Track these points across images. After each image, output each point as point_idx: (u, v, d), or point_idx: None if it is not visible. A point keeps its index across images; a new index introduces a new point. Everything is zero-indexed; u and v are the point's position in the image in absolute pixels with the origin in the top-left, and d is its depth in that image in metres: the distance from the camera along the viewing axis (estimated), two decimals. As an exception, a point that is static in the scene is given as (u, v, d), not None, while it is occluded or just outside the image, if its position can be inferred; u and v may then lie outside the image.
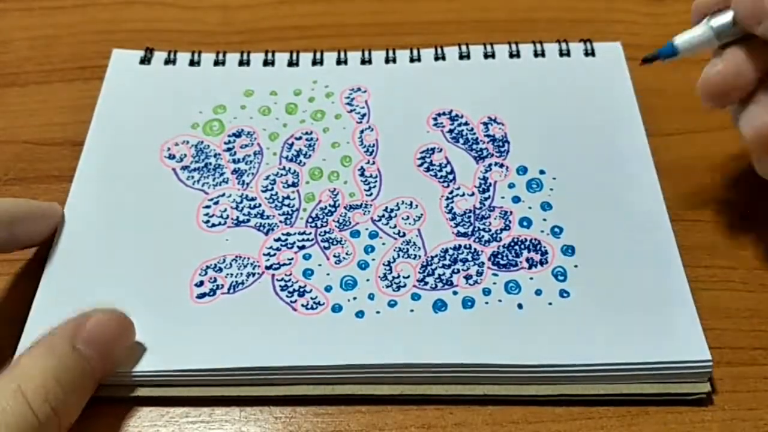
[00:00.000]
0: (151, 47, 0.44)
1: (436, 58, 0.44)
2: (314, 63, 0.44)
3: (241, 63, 0.44)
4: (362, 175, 0.39)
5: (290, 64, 0.44)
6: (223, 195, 0.38)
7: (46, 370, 0.29)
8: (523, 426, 0.32)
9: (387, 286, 0.35)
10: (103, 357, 0.31)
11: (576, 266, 0.35)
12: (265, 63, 0.44)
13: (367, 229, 0.37)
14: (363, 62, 0.44)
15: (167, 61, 0.44)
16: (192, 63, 0.44)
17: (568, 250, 0.36)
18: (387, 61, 0.44)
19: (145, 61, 0.44)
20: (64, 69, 0.46)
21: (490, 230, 0.37)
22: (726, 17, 0.34)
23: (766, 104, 0.33)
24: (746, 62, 0.33)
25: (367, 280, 0.35)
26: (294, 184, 0.39)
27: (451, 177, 0.39)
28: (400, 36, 0.47)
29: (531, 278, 0.35)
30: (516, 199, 0.38)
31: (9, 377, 0.29)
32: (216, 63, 0.44)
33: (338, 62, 0.44)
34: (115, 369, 0.32)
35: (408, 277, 0.35)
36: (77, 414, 0.31)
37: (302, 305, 0.34)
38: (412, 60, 0.44)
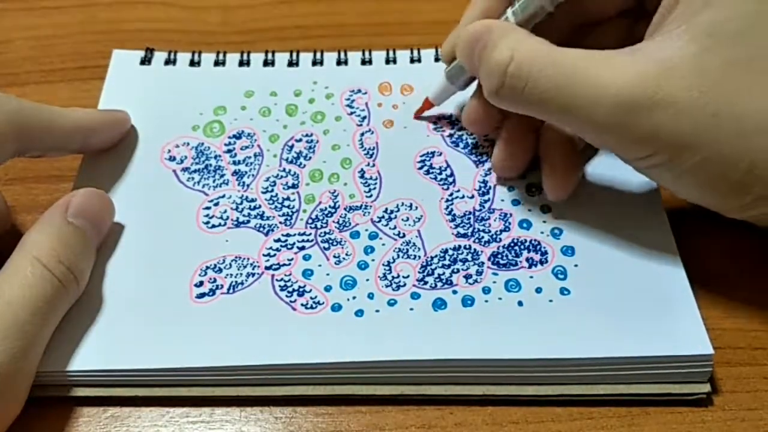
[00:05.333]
0: (151, 47, 0.44)
1: (436, 59, 0.44)
2: (314, 63, 0.44)
3: (241, 63, 0.44)
4: (362, 177, 0.39)
5: (290, 64, 0.44)
6: (224, 196, 0.38)
7: (50, 238, 0.32)
8: (523, 426, 0.32)
9: (386, 286, 0.35)
10: (94, 226, 0.34)
11: (576, 265, 0.35)
12: (265, 63, 0.44)
13: (366, 230, 0.37)
14: (363, 62, 0.44)
15: (167, 62, 0.44)
16: (192, 63, 0.44)
17: (568, 251, 0.36)
18: (387, 61, 0.44)
19: (146, 61, 0.44)
20: (64, 69, 0.46)
21: (489, 231, 0.37)
22: (455, 63, 0.38)
23: (502, 140, 0.38)
24: (481, 107, 0.37)
25: (367, 280, 0.35)
26: (294, 186, 0.39)
27: (451, 180, 0.39)
28: (400, 36, 0.47)
29: (531, 277, 0.35)
30: (516, 202, 0.38)
31: (21, 252, 0.32)
32: (216, 63, 0.44)
33: (338, 62, 0.44)
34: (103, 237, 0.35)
35: (408, 276, 0.35)
36: (87, 277, 0.34)
37: (302, 305, 0.34)
38: (412, 60, 0.44)
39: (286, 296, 0.34)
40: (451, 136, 0.41)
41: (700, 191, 0.33)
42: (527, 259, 0.36)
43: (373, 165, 0.39)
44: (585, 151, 0.39)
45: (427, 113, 0.41)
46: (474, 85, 0.39)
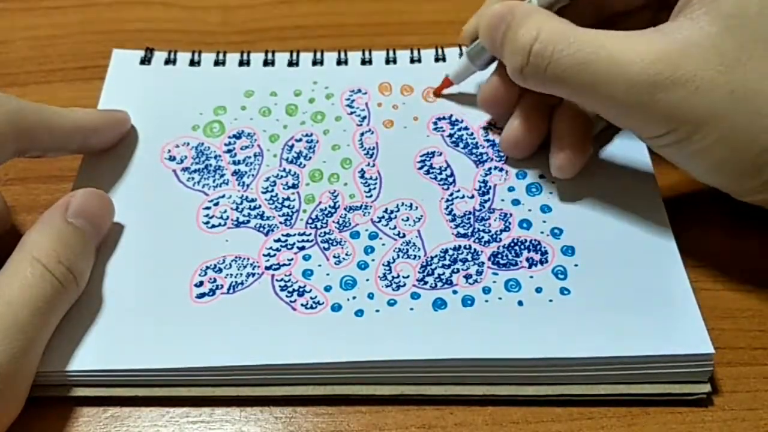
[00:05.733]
0: (151, 47, 0.44)
1: (436, 59, 0.44)
2: (314, 63, 0.44)
3: (241, 63, 0.44)
4: (362, 177, 0.39)
5: (290, 64, 0.44)
6: (224, 196, 0.38)
7: (50, 238, 0.32)
8: (523, 426, 0.32)
9: (386, 286, 0.35)
10: (94, 226, 0.34)
11: (576, 265, 0.35)
12: (265, 63, 0.44)
13: (366, 230, 0.37)
14: (363, 62, 0.44)
15: (167, 62, 0.44)
16: (192, 63, 0.44)
17: (568, 251, 0.36)
18: (387, 61, 0.44)
19: (146, 61, 0.44)
20: (64, 69, 0.46)
21: (489, 231, 0.37)
22: (477, 43, 0.39)
23: (516, 116, 0.39)
24: (501, 86, 0.39)
25: (367, 279, 0.35)
26: (294, 186, 0.39)
27: (451, 180, 0.39)
28: (400, 36, 0.47)
29: (531, 276, 0.35)
30: (516, 202, 0.38)
31: (20, 252, 0.32)
32: (216, 63, 0.44)
33: (338, 62, 0.44)
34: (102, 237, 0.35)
35: (408, 276, 0.35)
36: (87, 278, 0.34)
37: (302, 305, 0.34)
38: (412, 60, 0.44)
39: (286, 296, 0.34)
40: (451, 136, 0.41)
41: (714, 171, 0.33)
42: (527, 259, 0.36)
43: (373, 165, 0.39)
44: (599, 137, 0.39)
45: (446, 91, 0.42)
46: (492, 67, 0.40)
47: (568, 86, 0.34)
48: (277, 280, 0.35)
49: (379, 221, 0.37)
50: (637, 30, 0.33)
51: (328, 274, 0.35)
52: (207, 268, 0.35)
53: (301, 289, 0.35)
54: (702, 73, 0.31)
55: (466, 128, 0.41)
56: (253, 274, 0.35)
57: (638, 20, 0.38)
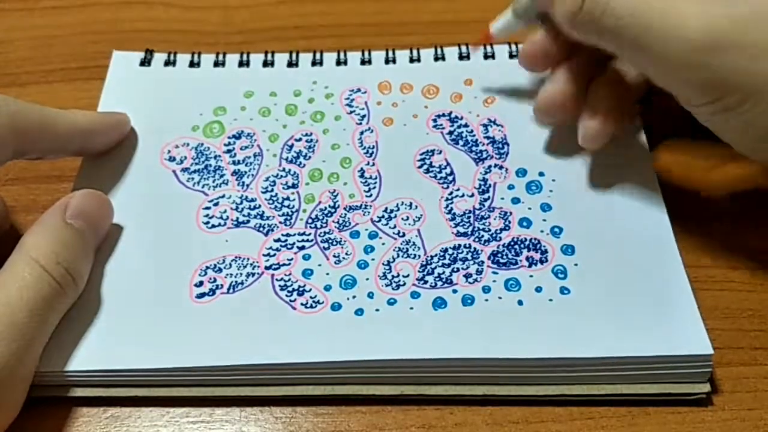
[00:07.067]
0: (151, 48, 0.44)
1: (436, 59, 0.44)
2: (314, 63, 0.44)
3: (240, 64, 0.44)
4: (362, 176, 0.39)
5: (290, 64, 0.44)
6: (223, 196, 0.38)
7: (49, 239, 0.32)
8: (523, 426, 0.32)
9: (386, 285, 0.35)
10: (92, 227, 0.34)
11: (576, 265, 0.35)
12: (265, 64, 0.44)
13: (366, 229, 0.37)
14: (363, 62, 0.44)
15: (167, 63, 0.44)
16: (192, 64, 0.44)
17: (568, 250, 0.36)
18: (387, 61, 0.44)
19: (146, 62, 0.44)
20: (64, 69, 0.46)
21: (489, 230, 0.37)
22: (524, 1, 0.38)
23: (554, 80, 0.37)
24: (546, 42, 0.37)
25: (367, 279, 0.35)
26: (294, 186, 0.39)
27: (450, 178, 0.39)
28: (400, 36, 0.47)
29: (531, 276, 0.35)
30: (515, 200, 0.38)
31: (19, 253, 0.32)
32: (216, 64, 0.44)
33: (338, 63, 0.44)
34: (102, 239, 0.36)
35: (407, 276, 0.35)
36: (86, 279, 0.34)
37: (301, 304, 0.34)
38: (411, 60, 0.44)
39: (286, 296, 0.34)
40: (450, 133, 0.41)
41: (758, 143, 0.33)
42: (527, 258, 0.36)
43: (373, 164, 0.39)
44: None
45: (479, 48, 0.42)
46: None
47: (620, 39, 0.33)
48: (276, 280, 0.35)
49: (379, 221, 0.37)
50: None
51: (327, 274, 0.35)
52: (207, 268, 0.35)
53: (300, 289, 0.35)
54: (764, 38, 0.30)
55: (465, 125, 0.41)
56: (253, 274, 0.35)
57: None
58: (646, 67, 0.34)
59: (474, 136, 0.40)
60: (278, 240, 0.36)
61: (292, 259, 0.36)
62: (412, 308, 0.34)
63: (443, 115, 0.41)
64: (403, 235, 0.37)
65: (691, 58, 0.31)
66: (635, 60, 0.35)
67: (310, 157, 0.40)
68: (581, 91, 0.38)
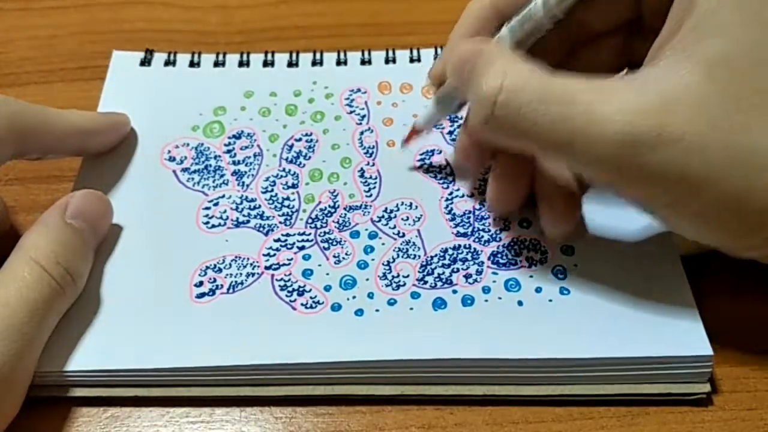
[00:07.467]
0: (151, 48, 0.44)
1: (436, 59, 0.44)
2: (314, 63, 0.44)
3: (240, 64, 0.44)
4: (362, 176, 0.39)
5: (290, 64, 0.44)
6: (223, 196, 0.38)
7: (48, 239, 0.32)
8: (523, 426, 0.32)
9: (386, 285, 0.35)
10: (92, 227, 0.34)
11: (576, 265, 0.35)
12: (265, 64, 0.44)
13: (366, 229, 0.37)
14: (363, 62, 0.44)
15: (167, 63, 0.44)
16: (192, 64, 0.44)
17: (568, 250, 0.36)
18: (387, 61, 0.44)
19: (145, 62, 0.44)
20: (64, 69, 0.46)
21: (489, 230, 0.37)
22: (445, 87, 0.36)
23: (492, 176, 0.36)
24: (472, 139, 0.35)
25: (367, 279, 0.35)
26: (294, 186, 0.39)
27: (450, 179, 0.39)
28: (400, 36, 0.47)
29: (531, 276, 0.35)
30: (516, 200, 0.38)
31: (19, 252, 0.32)
32: (216, 64, 0.44)
33: (338, 63, 0.44)
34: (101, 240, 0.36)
35: (407, 276, 0.35)
36: (85, 279, 0.34)
37: (301, 304, 0.34)
38: (411, 60, 0.44)
39: (286, 296, 0.34)
40: (450, 133, 0.41)
41: (712, 233, 0.30)
42: (527, 259, 0.36)
43: (373, 164, 0.39)
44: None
45: (414, 142, 0.39)
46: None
47: (539, 144, 0.30)
48: (276, 280, 0.35)
49: (379, 221, 0.37)
50: (608, 57, 0.32)
51: (327, 274, 0.35)
52: (207, 268, 0.35)
53: (300, 289, 0.35)
54: (690, 129, 0.27)
55: None
56: (253, 274, 0.35)
57: (610, 44, 0.36)
58: (572, 168, 0.31)
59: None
60: (278, 240, 0.36)
61: (292, 259, 0.36)
62: (412, 308, 0.34)
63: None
64: (403, 235, 0.37)
65: (619, 159, 0.28)
66: (559, 162, 0.31)
67: (310, 157, 0.40)
68: (527, 185, 0.35)
